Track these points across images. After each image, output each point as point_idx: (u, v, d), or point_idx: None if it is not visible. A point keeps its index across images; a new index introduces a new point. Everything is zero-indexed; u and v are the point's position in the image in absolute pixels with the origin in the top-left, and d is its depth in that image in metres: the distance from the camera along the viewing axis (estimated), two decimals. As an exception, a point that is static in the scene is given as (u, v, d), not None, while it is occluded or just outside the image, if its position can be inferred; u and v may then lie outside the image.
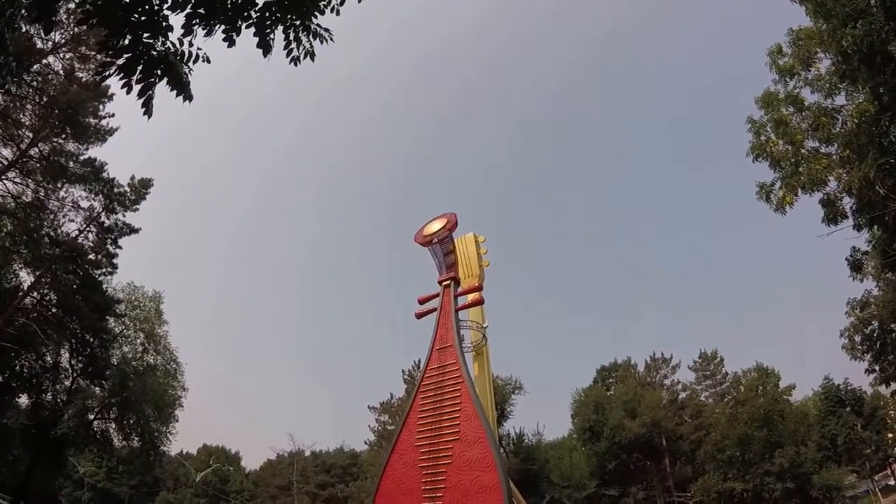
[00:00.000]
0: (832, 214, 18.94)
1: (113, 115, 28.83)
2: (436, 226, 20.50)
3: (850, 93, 17.71)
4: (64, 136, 27.00)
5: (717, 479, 33.73)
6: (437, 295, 20.01)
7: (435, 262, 20.73)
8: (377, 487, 16.49)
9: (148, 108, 4.21)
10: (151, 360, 37.62)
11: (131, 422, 35.29)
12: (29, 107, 24.75)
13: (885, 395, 41.52)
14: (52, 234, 28.26)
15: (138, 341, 37.14)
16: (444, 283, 19.89)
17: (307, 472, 71.28)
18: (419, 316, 20.52)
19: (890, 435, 44.65)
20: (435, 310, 19.49)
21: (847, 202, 19.24)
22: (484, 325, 20.80)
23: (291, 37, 4.84)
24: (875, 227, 20.17)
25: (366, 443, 58.18)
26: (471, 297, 20.49)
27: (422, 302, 20.71)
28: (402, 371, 48.07)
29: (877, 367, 28.24)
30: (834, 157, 18.48)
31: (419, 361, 41.61)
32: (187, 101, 4.32)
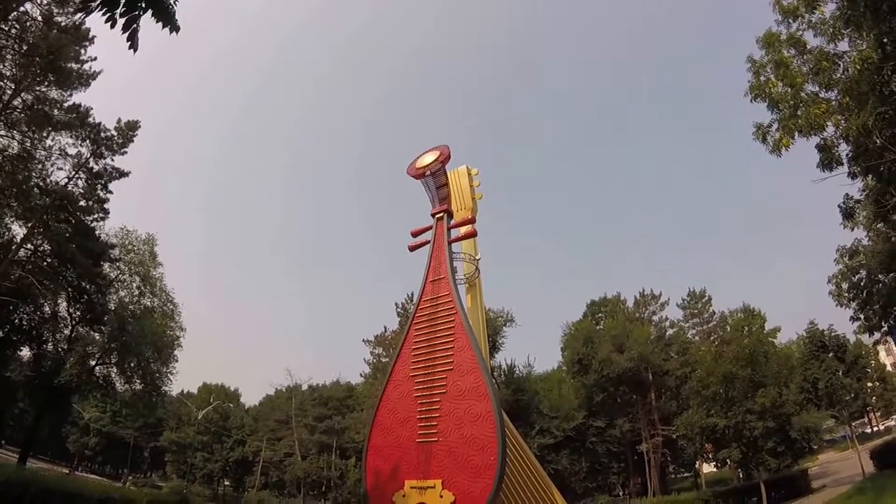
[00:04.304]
0: (828, 160, 18.77)
1: (95, 59, 27.92)
2: (428, 158, 20.05)
3: (853, 39, 17.21)
4: (47, 83, 26.22)
5: (700, 415, 34.83)
6: (430, 228, 19.79)
7: (428, 195, 20.43)
8: (374, 418, 16.69)
9: (133, 42, 4.10)
10: (148, 303, 37.90)
11: (132, 365, 35.85)
12: (9, 56, 23.84)
13: (867, 345, 42.57)
14: (41, 184, 27.88)
15: (134, 285, 37.20)
16: (437, 216, 19.64)
17: (305, 406, 73.01)
18: (412, 248, 20.35)
19: (870, 384, 45.96)
20: (428, 242, 19.27)
21: (843, 149, 19.08)
22: (476, 258, 20.86)
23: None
24: (870, 177, 20.10)
25: (361, 375, 59.16)
26: (464, 229, 20.43)
27: (415, 234, 20.47)
28: (396, 304, 48.16)
29: (861, 316, 28.62)
30: (833, 102, 18.08)
31: (412, 295, 41.92)
32: (174, 33, 4.21)
